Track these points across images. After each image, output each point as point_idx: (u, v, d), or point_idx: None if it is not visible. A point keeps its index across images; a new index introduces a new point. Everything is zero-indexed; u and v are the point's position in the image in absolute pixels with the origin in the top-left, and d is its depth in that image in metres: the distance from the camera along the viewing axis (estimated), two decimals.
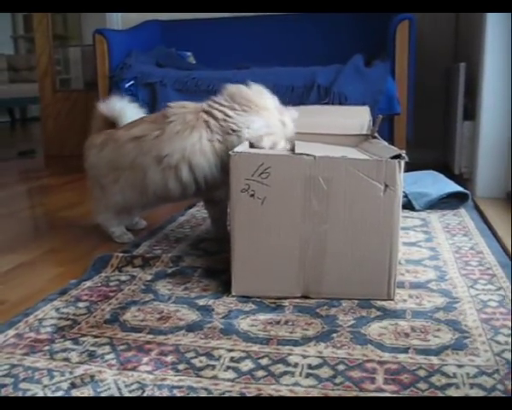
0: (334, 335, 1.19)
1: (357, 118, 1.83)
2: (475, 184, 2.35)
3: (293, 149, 1.48)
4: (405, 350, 1.12)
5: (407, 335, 1.19)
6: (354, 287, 1.37)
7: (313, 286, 1.39)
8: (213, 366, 1.08)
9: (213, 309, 1.34)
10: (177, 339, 1.20)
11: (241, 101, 1.69)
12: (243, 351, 1.14)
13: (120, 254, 1.69)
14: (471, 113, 2.49)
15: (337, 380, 1.02)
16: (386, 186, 1.32)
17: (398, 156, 1.32)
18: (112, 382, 1.03)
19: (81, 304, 1.39)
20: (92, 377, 1.05)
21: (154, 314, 1.32)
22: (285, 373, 1.05)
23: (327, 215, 1.35)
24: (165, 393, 0.99)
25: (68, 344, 1.18)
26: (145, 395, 0.99)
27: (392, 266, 1.35)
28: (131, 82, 2.88)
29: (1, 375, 1.06)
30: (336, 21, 3.24)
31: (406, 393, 0.97)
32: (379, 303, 1.35)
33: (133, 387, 1.01)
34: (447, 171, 2.61)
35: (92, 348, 1.16)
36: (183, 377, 1.04)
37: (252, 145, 1.59)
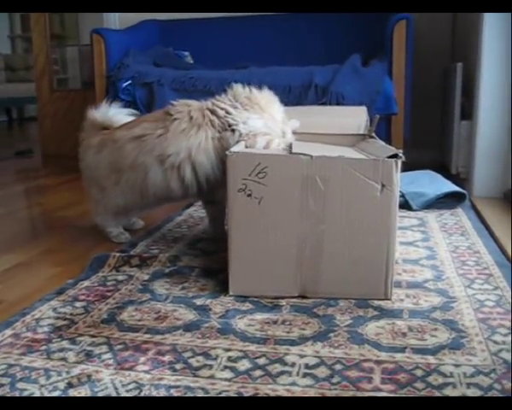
0: (332, 334, 1.20)
1: (355, 118, 1.84)
2: (472, 184, 2.35)
3: (290, 149, 1.48)
4: (402, 350, 1.12)
5: (404, 334, 1.19)
6: (351, 287, 1.38)
7: (310, 286, 1.39)
8: (210, 366, 1.08)
9: (211, 309, 1.34)
10: (175, 339, 1.20)
11: (244, 100, 1.68)
12: (240, 351, 1.14)
13: (117, 254, 1.69)
14: (468, 112, 2.49)
15: (334, 380, 1.02)
16: (383, 186, 1.32)
17: (394, 156, 1.32)
18: (109, 381, 1.03)
19: (78, 304, 1.39)
20: (89, 376, 1.05)
21: (152, 314, 1.32)
22: (282, 373, 1.05)
23: (324, 215, 1.35)
24: (163, 393, 0.99)
25: (65, 344, 1.18)
26: (142, 394, 0.99)
27: (389, 265, 1.36)
28: (129, 82, 2.88)
29: None
30: (334, 21, 3.24)
31: (403, 392, 0.98)
32: (376, 303, 1.35)
33: (130, 387, 1.01)
34: (444, 170, 2.61)
35: (89, 348, 1.16)
36: (180, 377, 1.04)
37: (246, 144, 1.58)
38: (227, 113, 1.66)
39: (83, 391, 1.00)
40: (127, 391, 1.00)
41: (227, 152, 1.37)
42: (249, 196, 1.36)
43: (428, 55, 3.21)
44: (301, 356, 1.11)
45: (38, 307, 1.37)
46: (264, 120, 1.65)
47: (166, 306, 1.37)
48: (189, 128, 1.65)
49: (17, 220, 2.35)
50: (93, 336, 1.22)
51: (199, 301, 1.39)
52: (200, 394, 0.99)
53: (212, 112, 1.67)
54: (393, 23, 2.66)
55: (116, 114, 1.89)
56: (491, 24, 2.22)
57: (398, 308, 1.32)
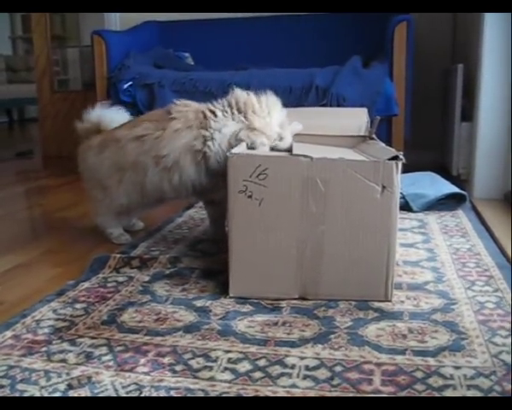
0: (332, 336, 1.20)
1: (355, 119, 1.84)
2: (473, 186, 2.35)
3: (290, 151, 1.48)
4: (403, 352, 1.12)
5: (404, 336, 1.19)
6: (351, 288, 1.37)
7: (310, 287, 1.39)
8: (211, 368, 1.08)
9: (211, 310, 1.34)
10: (175, 340, 1.20)
11: (241, 105, 1.68)
12: (240, 352, 1.14)
13: (118, 256, 1.69)
14: (469, 114, 2.49)
15: (334, 382, 1.02)
16: (384, 187, 1.32)
17: (395, 158, 1.32)
18: (109, 383, 1.03)
19: (78, 305, 1.39)
20: (89, 378, 1.05)
21: (152, 316, 1.32)
22: (282, 375, 1.05)
23: (324, 216, 1.35)
24: (163, 394, 0.99)
25: (65, 345, 1.18)
26: (142, 396, 0.99)
27: (389, 267, 1.35)
28: (129, 83, 2.88)
29: None
30: (334, 23, 3.24)
31: (403, 394, 0.97)
32: (376, 305, 1.35)
33: (130, 388, 1.01)
34: (445, 172, 2.61)
35: (89, 350, 1.16)
36: (180, 379, 1.04)
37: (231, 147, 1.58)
38: (215, 116, 1.66)
39: (83, 393, 1.00)
40: (127, 393, 1.00)
41: (228, 153, 1.38)
42: (250, 197, 1.36)
43: (429, 57, 3.21)
44: (301, 358, 1.11)
45: (38, 308, 1.37)
46: (244, 125, 1.64)
47: (167, 307, 1.37)
48: (181, 129, 1.66)
49: (17, 221, 2.35)
50: (93, 337, 1.22)
51: (199, 303, 1.39)
52: (201, 395, 0.99)
53: (204, 114, 1.68)
54: (394, 24, 2.66)
55: (111, 116, 1.90)
56: (492, 25, 2.22)
57: (398, 310, 1.32)
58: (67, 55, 4.38)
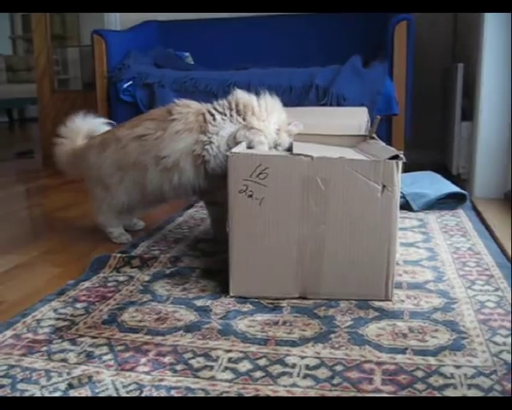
0: (332, 335, 1.20)
1: (355, 118, 1.84)
2: (473, 185, 2.35)
3: (290, 150, 1.48)
4: (403, 351, 1.12)
5: (405, 335, 1.19)
6: (352, 288, 1.38)
7: (311, 287, 1.39)
8: (211, 367, 1.08)
9: (211, 310, 1.34)
10: (175, 340, 1.20)
11: (241, 108, 1.68)
12: (241, 352, 1.14)
13: (118, 255, 1.69)
14: (469, 113, 2.49)
15: (335, 381, 1.02)
16: (384, 187, 1.32)
17: (395, 157, 1.32)
18: (109, 382, 1.03)
19: (79, 305, 1.39)
20: (90, 377, 1.05)
21: (152, 315, 1.32)
22: (283, 374, 1.05)
23: (324, 216, 1.35)
24: (163, 394, 0.99)
25: (66, 345, 1.18)
26: (143, 395, 0.99)
27: (389, 266, 1.35)
28: (130, 83, 2.88)
29: None
30: (334, 22, 3.24)
31: (404, 394, 0.97)
32: (377, 304, 1.35)
33: (131, 388, 1.01)
34: (445, 171, 2.61)
35: (90, 349, 1.16)
36: (180, 378, 1.04)
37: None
38: (213, 119, 1.66)
39: (83, 392, 1.00)
40: (128, 392, 1.00)
41: (228, 153, 1.38)
42: (250, 196, 1.36)
43: (429, 56, 3.21)
44: (302, 357, 1.11)
45: (39, 307, 1.37)
46: (241, 127, 1.64)
47: (167, 307, 1.37)
48: (182, 131, 1.66)
49: (18, 221, 2.36)
50: (94, 337, 1.22)
51: (199, 302, 1.39)
52: (201, 395, 0.99)
53: (204, 117, 1.68)
54: (394, 24, 2.66)
55: (91, 125, 1.97)
56: (493, 24, 2.22)
57: (398, 309, 1.32)
58: (68, 55, 4.38)
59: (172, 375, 1.05)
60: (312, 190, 1.34)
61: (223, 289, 1.45)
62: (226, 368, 1.08)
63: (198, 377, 1.05)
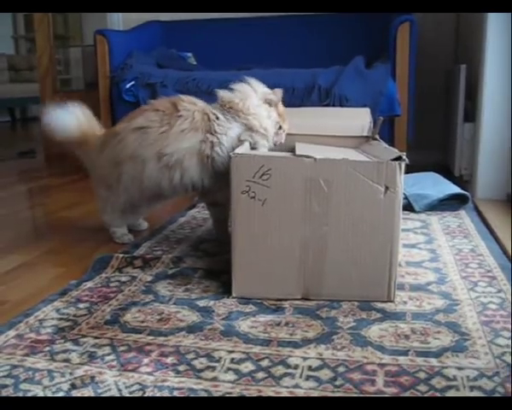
0: (335, 337, 1.20)
1: (358, 119, 1.84)
2: (475, 186, 2.35)
3: (293, 151, 1.48)
4: (405, 352, 1.12)
5: (407, 337, 1.19)
6: (354, 289, 1.38)
7: (313, 288, 1.39)
8: (214, 368, 1.08)
9: (214, 310, 1.34)
10: (178, 340, 1.20)
11: (229, 110, 1.68)
12: (243, 353, 1.14)
13: (121, 255, 1.69)
14: (471, 115, 2.49)
15: (337, 382, 1.02)
16: (387, 188, 1.32)
17: (398, 158, 1.32)
18: (112, 383, 1.03)
19: (81, 305, 1.39)
20: (92, 378, 1.05)
21: (155, 315, 1.32)
22: (285, 375, 1.05)
23: (327, 217, 1.35)
24: (166, 394, 0.99)
25: (69, 345, 1.18)
26: (145, 396, 0.99)
27: (392, 268, 1.35)
28: (132, 83, 2.88)
29: (1, 376, 1.06)
30: (337, 23, 3.24)
31: (406, 395, 0.97)
32: (379, 305, 1.35)
33: (133, 388, 1.02)
34: (447, 173, 2.61)
35: (92, 349, 1.16)
36: (183, 379, 1.04)
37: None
38: (216, 118, 1.66)
39: (86, 392, 1.00)
40: (130, 393, 1.00)
41: (231, 154, 1.38)
42: (253, 197, 1.36)
43: (432, 57, 3.21)
44: (304, 358, 1.11)
45: (42, 307, 1.37)
46: (245, 124, 1.65)
47: (169, 307, 1.37)
48: (188, 130, 1.65)
49: (20, 221, 2.36)
50: (96, 337, 1.22)
51: (202, 303, 1.39)
52: (204, 395, 0.99)
53: (208, 117, 1.67)
54: (397, 25, 2.66)
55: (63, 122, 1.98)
56: (495, 25, 2.22)
57: (401, 311, 1.32)
58: (70, 55, 4.38)
59: (175, 375, 1.06)
60: (315, 191, 1.34)
61: (225, 289, 1.45)
62: (229, 369, 1.08)
63: (200, 378, 1.05)
